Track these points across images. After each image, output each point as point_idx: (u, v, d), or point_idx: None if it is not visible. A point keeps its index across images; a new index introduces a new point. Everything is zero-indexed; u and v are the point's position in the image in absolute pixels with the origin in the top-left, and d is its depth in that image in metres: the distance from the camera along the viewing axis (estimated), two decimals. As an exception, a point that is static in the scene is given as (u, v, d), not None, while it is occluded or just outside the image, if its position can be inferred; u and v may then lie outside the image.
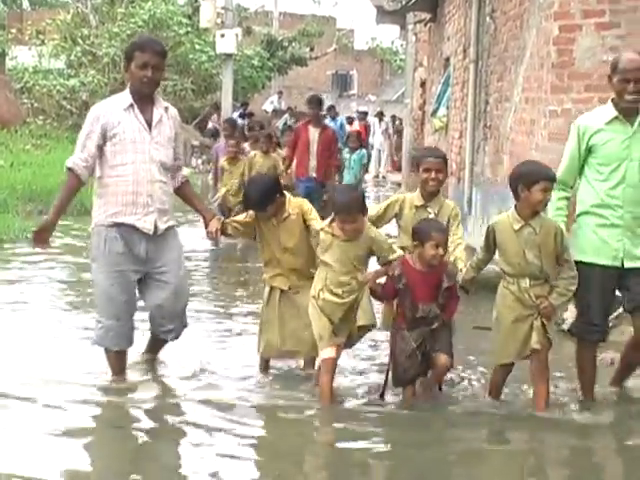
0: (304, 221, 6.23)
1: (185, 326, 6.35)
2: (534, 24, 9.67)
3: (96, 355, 6.35)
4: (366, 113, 31.55)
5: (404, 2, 19.45)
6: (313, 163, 12.51)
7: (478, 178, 12.64)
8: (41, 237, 5.93)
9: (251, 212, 6.33)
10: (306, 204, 6.34)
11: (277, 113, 30.88)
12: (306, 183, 12.54)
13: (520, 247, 5.58)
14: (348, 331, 5.92)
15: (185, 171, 6.51)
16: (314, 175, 12.55)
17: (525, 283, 5.62)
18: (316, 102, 12.68)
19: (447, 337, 5.78)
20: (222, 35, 18.35)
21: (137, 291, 6.22)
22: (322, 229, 5.85)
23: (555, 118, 8.96)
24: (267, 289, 6.43)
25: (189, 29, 27.25)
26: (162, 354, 6.62)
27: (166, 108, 6.11)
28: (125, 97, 5.99)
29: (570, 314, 6.93)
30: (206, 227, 6.28)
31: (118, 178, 5.90)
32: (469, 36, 13.08)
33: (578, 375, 6.11)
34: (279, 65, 33.63)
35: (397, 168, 27.85)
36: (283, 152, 13.46)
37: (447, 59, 16.06)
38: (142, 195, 5.92)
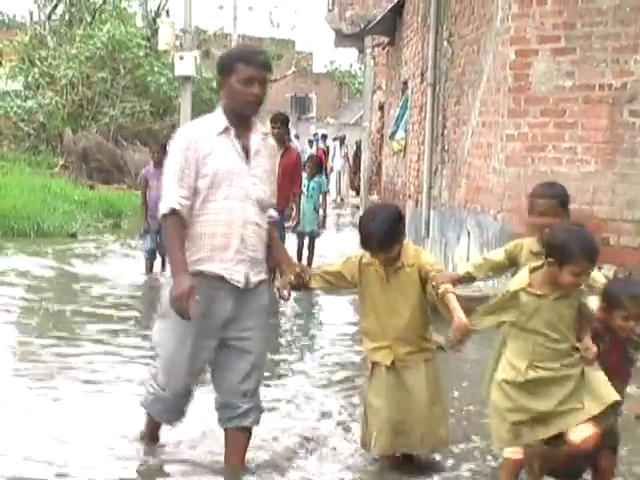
0: (420, 276, 4.94)
1: (262, 411, 5.07)
2: (491, 49, 9.75)
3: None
4: (325, 136, 31.67)
5: (362, 26, 19.58)
6: None
7: (436, 201, 12.70)
8: (183, 305, 4.57)
9: (352, 259, 5.13)
10: (425, 254, 5.11)
11: (236, 135, 30.93)
12: None
13: None
14: (561, 427, 4.38)
15: (272, 212, 5.12)
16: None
17: None
18: (282, 120, 10.76)
19: (616, 424, 4.63)
20: (181, 57, 18.25)
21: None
22: (522, 289, 4.38)
23: (512, 142, 9.03)
24: (369, 365, 5.19)
25: (148, 51, 27.19)
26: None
27: (265, 134, 5.00)
28: (219, 119, 4.86)
29: None
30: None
31: (207, 217, 4.72)
32: (427, 60, 13.17)
33: None
34: (238, 88, 33.64)
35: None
36: None
37: (405, 82, 16.16)
38: (234, 238, 4.74)
